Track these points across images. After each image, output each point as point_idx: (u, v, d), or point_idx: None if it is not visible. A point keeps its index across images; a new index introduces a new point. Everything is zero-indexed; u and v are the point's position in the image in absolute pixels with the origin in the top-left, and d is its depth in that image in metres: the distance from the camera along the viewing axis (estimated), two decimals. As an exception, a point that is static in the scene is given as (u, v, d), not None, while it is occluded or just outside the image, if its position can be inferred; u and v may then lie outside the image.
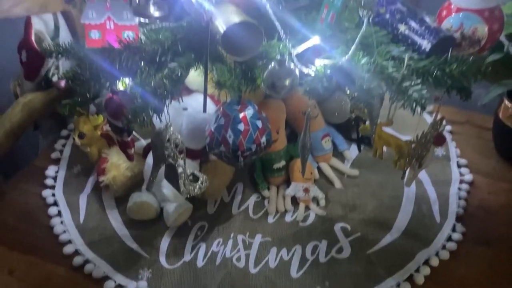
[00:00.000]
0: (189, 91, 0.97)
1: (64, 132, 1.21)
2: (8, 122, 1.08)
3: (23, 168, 1.14)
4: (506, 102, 1.04)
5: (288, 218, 0.98)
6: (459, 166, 1.09)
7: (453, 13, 0.74)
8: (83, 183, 1.06)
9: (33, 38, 1.11)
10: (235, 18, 0.66)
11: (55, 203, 1.02)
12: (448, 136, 1.17)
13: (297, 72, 0.63)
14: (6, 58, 1.30)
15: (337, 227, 0.95)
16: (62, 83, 1.09)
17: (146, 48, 0.68)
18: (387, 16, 0.76)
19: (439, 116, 0.79)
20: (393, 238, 0.93)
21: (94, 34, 0.78)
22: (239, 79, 0.70)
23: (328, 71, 0.65)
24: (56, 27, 1.18)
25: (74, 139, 1.03)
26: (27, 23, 1.11)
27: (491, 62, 1.01)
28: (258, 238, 0.93)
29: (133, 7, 0.74)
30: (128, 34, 0.78)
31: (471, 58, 0.70)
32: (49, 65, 1.14)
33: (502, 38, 1.01)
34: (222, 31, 0.64)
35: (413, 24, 0.73)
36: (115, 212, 0.99)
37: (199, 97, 0.94)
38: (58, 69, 1.16)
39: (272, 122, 0.90)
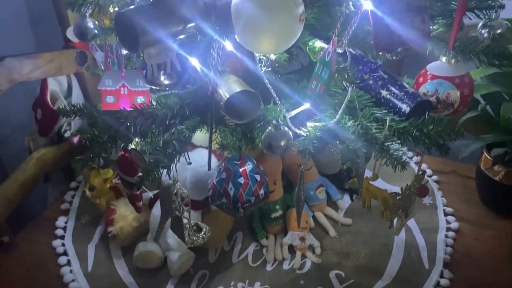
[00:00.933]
0: (193, 146, 1.05)
1: (73, 184, 1.28)
2: (23, 176, 1.15)
3: (31, 219, 1.20)
4: (486, 154, 1.12)
5: (286, 266, 1.03)
6: (445, 214, 1.16)
7: (429, 80, 0.83)
8: (91, 233, 1.12)
9: (48, 98, 1.20)
10: (236, 87, 0.75)
11: (65, 253, 1.07)
12: (434, 186, 1.25)
13: (291, 134, 0.72)
14: (21, 116, 1.39)
15: (332, 274, 1.01)
16: (75, 139, 1.17)
17: (158, 113, 0.76)
18: (371, 81, 0.85)
19: (422, 169, 0.88)
20: (385, 284, 0.98)
21: (110, 99, 0.87)
22: (239, 140, 0.78)
23: (318, 133, 0.74)
24: (69, 87, 1.28)
25: (84, 191, 1.10)
26: (43, 85, 1.22)
27: (469, 118, 1.11)
28: (257, 286, 0.99)
29: (145, 76, 0.83)
30: (140, 99, 0.87)
31: (446, 120, 0.79)
32: (61, 122, 1.23)
33: (478, 97, 1.12)
34: (225, 99, 0.73)
35: (393, 89, 0.82)
36: (121, 261, 1.05)
37: (202, 152, 1.03)
38: (70, 126, 1.25)
39: (269, 174, 0.98)
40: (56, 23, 1.59)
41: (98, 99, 1.30)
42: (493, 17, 0.87)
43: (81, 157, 0.93)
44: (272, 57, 0.76)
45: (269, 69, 0.76)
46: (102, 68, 1.16)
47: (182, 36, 0.67)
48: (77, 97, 1.27)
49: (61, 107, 1.07)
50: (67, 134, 1.24)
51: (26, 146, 1.27)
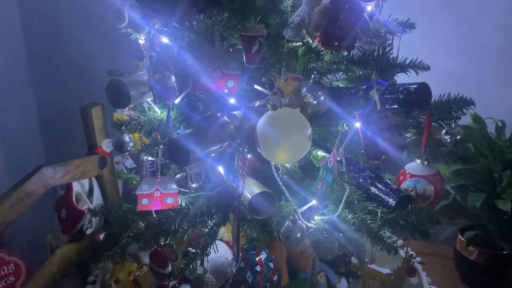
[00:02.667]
0: (209, 239, 1.19)
1: (91, 278, 1.37)
2: (48, 272, 1.25)
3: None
4: (460, 237, 1.30)
5: None
6: (431, 291, 1.30)
7: (408, 178, 1.02)
8: (113, 324, 1.21)
9: (74, 199, 1.34)
10: (256, 189, 0.93)
11: None
12: (419, 266, 1.40)
13: (305, 227, 0.88)
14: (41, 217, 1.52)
15: None
16: (102, 236, 1.29)
17: (191, 212, 0.92)
18: (361, 180, 1.04)
19: (409, 252, 1.04)
20: None
21: (144, 201, 1.02)
22: (258, 232, 0.94)
23: (326, 225, 0.90)
24: (91, 188, 1.43)
25: (110, 284, 1.20)
26: (69, 188, 1.36)
27: (443, 206, 1.31)
28: None
29: (175, 180, 1.00)
30: (170, 200, 1.03)
31: (425, 210, 0.97)
32: (84, 221, 1.36)
33: (449, 188, 1.32)
34: (248, 199, 0.90)
35: (380, 186, 1.01)
36: None
37: (218, 244, 1.17)
38: (91, 223, 1.38)
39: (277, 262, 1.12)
40: (64, 131, 1.79)
41: (114, 199, 1.45)
42: (453, 126, 1.09)
43: (110, 252, 1.07)
44: (288, 166, 0.95)
45: (285, 176, 0.94)
46: (125, 171, 1.33)
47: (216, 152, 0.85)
48: (97, 198, 1.41)
49: (90, 207, 1.22)
50: (88, 231, 1.36)
51: (48, 244, 1.38)
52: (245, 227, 0.93)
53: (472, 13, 1.46)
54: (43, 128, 1.91)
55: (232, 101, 0.91)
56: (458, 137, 1.08)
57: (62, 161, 1.30)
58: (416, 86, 0.94)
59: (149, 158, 1.11)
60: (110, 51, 1.55)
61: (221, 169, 0.95)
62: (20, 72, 1.80)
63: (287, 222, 0.88)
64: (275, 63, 0.94)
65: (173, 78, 0.97)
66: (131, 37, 1.07)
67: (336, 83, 1.17)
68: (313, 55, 0.89)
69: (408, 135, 1.09)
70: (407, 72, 1.01)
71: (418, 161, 1.03)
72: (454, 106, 1.00)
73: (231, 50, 0.97)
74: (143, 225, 0.94)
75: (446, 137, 1.09)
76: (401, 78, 1.06)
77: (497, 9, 1.44)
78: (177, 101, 0.98)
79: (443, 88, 1.01)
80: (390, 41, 1.03)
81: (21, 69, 1.80)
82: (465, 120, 1.21)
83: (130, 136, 1.07)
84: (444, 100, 1.01)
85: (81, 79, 1.70)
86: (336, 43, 0.87)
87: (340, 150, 0.90)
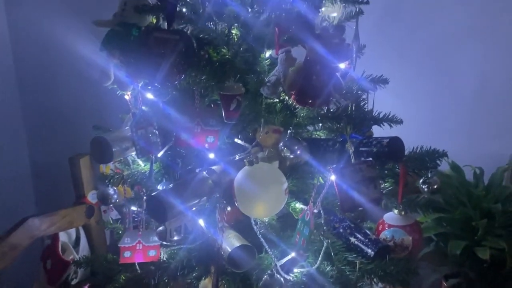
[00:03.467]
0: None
1: (75, 330, 1.36)
2: (31, 325, 1.24)
3: None
4: (444, 283, 1.31)
5: None
6: None
7: (386, 228, 1.04)
8: None
9: (60, 249, 1.35)
10: (236, 242, 0.94)
11: None
12: (406, 315, 1.39)
13: (283, 280, 0.89)
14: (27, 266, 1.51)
15: None
16: (86, 288, 1.30)
17: (171, 266, 0.93)
18: (341, 230, 1.06)
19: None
20: None
21: (127, 254, 1.03)
22: (238, 286, 0.95)
23: (304, 278, 0.91)
24: (77, 238, 1.44)
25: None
26: (55, 238, 1.37)
27: (428, 252, 1.32)
28: None
29: (157, 233, 1.02)
30: (152, 252, 1.04)
31: (404, 261, 0.99)
32: (69, 271, 1.36)
33: (432, 235, 1.34)
34: (228, 252, 0.92)
35: (359, 236, 1.03)
36: None
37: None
38: (76, 274, 1.38)
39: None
40: (54, 180, 1.81)
41: (101, 249, 1.46)
42: (429, 175, 1.12)
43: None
44: (265, 219, 0.97)
45: (262, 230, 0.96)
46: (111, 221, 1.35)
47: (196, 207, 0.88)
48: (84, 247, 1.41)
49: (76, 258, 1.22)
50: (73, 282, 1.36)
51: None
52: (224, 281, 0.94)
53: (448, 62, 1.53)
54: (35, 176, 1.94)
55: (211, 155, 0.94)
56: (435, 186, 1.11)
57: (53, 209, 1.32)
58: (388, 140, 0.97)
59: (133, 208, 1.13)
60: (98, 104, 1.60)
61: (201, 222, 0.97)
62: (14, 122, 1.84)
63: (265, 277, 0.89)
64: (254, 119, 0.98)
65: (156, 133, 1.00)
66: (117, 93, 1.11)
67: (316, 133, 1.21)
68: (288, 112, 0.93)
69: (386, 185, 1.12)
70: (381, 125, 1.04)
71: (396, 211, 1.06)
72: (427, 158, 1.03)
73: (212, 106, 1.01)
74: (124, 278, 0.94)
75: (423, 187, 1.12)
76: (379, 131, 1.10)
77: (472, 57, 1.50)
78: (159, 154, 1.01)
79: (422, 136, 1.04)
80: (364, 96, 1.07)
81: (15, 119, 1.85)
82: (444, 167, 1.25)
83: (115, 188, 1.10)
84: (418, 152, 1.04)
85: (71, 130, 1.74)
86: (310, 101, 0.92)
87: (317, 203, 0.93)
